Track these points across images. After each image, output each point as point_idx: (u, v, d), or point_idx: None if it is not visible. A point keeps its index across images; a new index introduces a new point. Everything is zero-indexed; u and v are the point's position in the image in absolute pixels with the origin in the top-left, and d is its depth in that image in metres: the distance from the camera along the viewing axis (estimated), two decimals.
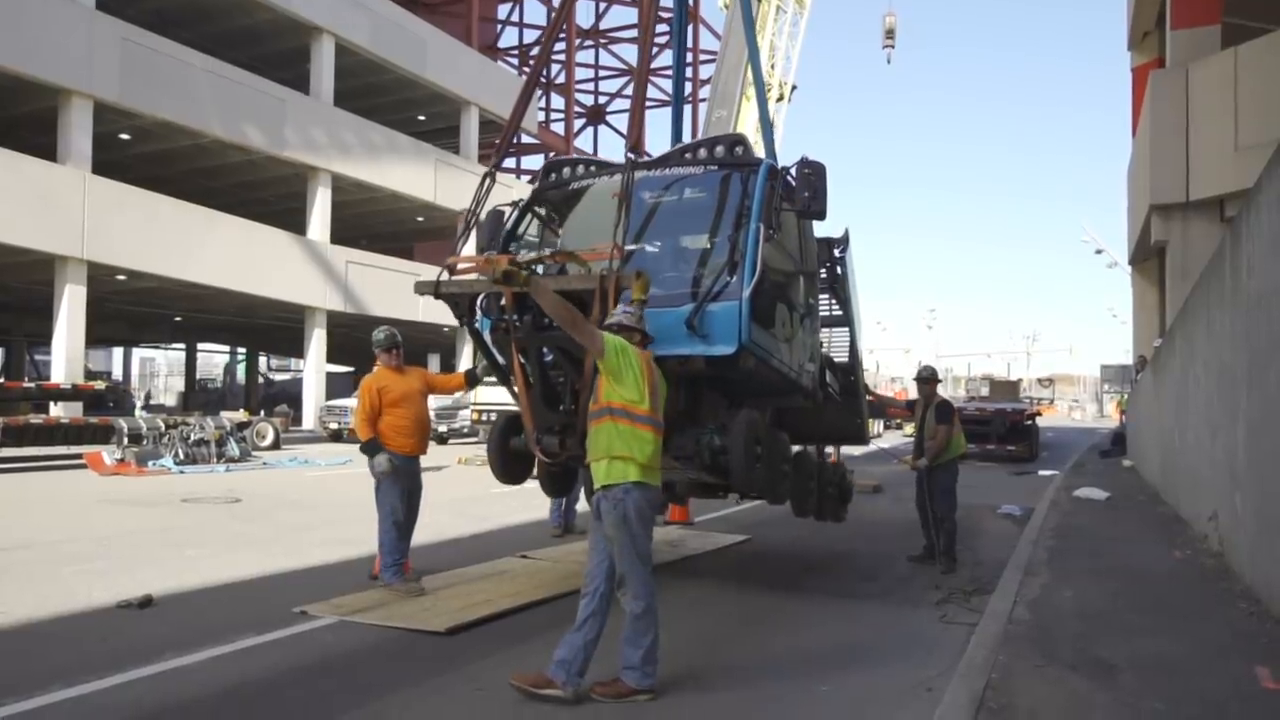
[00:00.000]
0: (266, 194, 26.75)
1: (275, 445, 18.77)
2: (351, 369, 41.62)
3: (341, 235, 26.05)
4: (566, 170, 6.05)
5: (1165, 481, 11.11)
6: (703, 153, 5.49)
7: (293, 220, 24.95)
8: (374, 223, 30.26)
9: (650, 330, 4.23)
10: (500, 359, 5.43)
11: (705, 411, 5.30)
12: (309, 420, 24.89)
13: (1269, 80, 11.03)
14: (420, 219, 29.92)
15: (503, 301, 4.77)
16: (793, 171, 5.31)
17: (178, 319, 30.24)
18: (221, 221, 21.86)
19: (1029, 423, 21.30)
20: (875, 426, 31.89)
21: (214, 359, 52.72)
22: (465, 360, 28.32)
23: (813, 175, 5.15)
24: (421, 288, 5.11)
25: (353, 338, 29.78)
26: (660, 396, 4.08)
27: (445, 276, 5.25)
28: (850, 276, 7.51)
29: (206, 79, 20.95)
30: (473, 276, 5.11)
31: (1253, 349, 5.40)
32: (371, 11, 25.92)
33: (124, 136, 21.18)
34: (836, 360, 7.40)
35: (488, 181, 5.57)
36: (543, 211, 6.04)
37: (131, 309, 26.22)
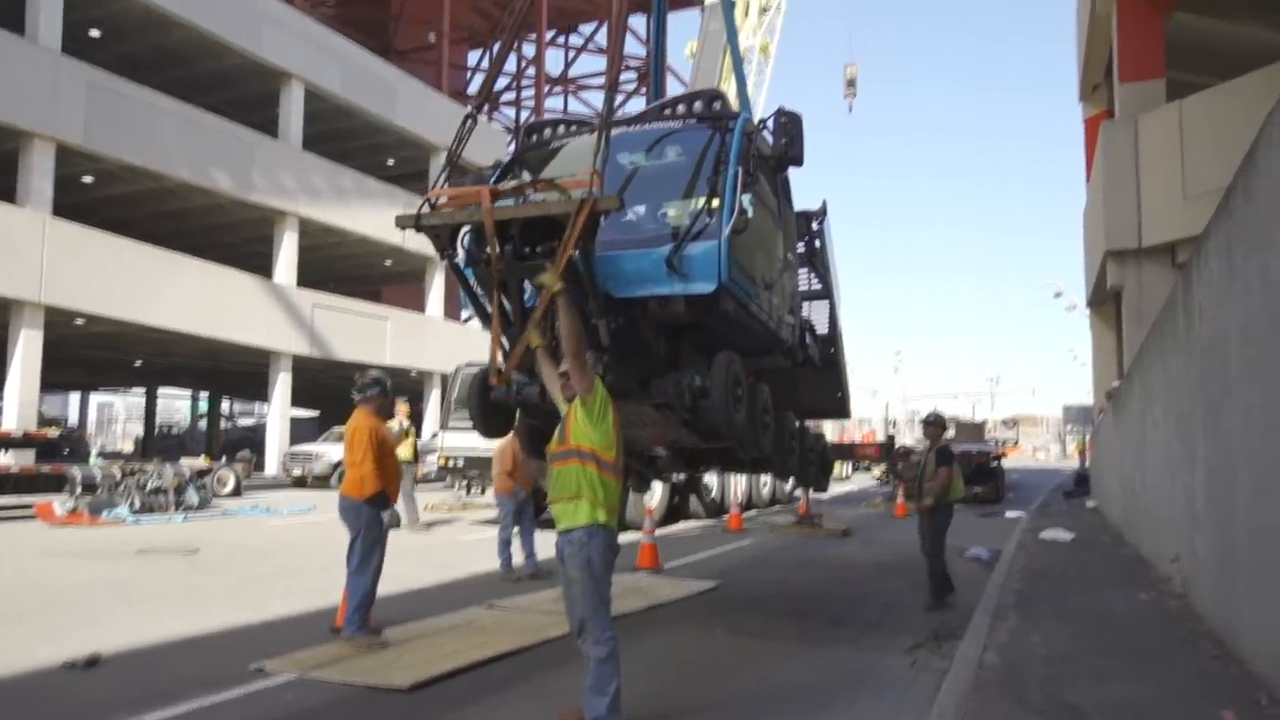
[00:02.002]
0: (233, 237, 26.55)
1: (236, 492, 18.37)
2: (317, 413, 41.06)
3: (309, 278, 25.87)
4: (547, 131, 6.04)
5: (1128, 522, 11.24)
6: (681, 108, 5.57)
7: (260, 263, 24.75)
8: (342, 266, 30.12)
9: (632, 272, 4.32)
10: (481, 294, 5.27)
11: (685, 363, 5.30)
12: (272, 466, 24.44)
13: (1212, 131, 11.44)
14: (389, 262, 29.83)
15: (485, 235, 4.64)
16: (770, 124, 5.43)
17: (138, 363, 29.68)
18: (186, 265, 21.63)
19: (994, 464, 21.54)
20: (844, 469, 32.07)
21: (175, 403, 51.75)
22: (433, 404, 28.07)
23: (789, 124, 5.28)
24: (402, 221, 4.95)
25: (319, 381, 29.46)
26: (620, 446, 4.09)
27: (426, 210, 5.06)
28: (829, 249, 7.65)
29: (174, 123, 20.88)
30: (453, 210, 4.94)
31: (1208, 393, 5.52)
32: (342, 57, 26.09)
33: (87, 179, 20.96)
34: (818, 333, 7.49)
35: (469, 123, 5.47)
36: (525, 174, 6.02)
37: (91, 353, 25.72)
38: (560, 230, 4.25)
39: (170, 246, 21.93)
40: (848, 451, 24.01)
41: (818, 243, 7.49)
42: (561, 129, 5.99)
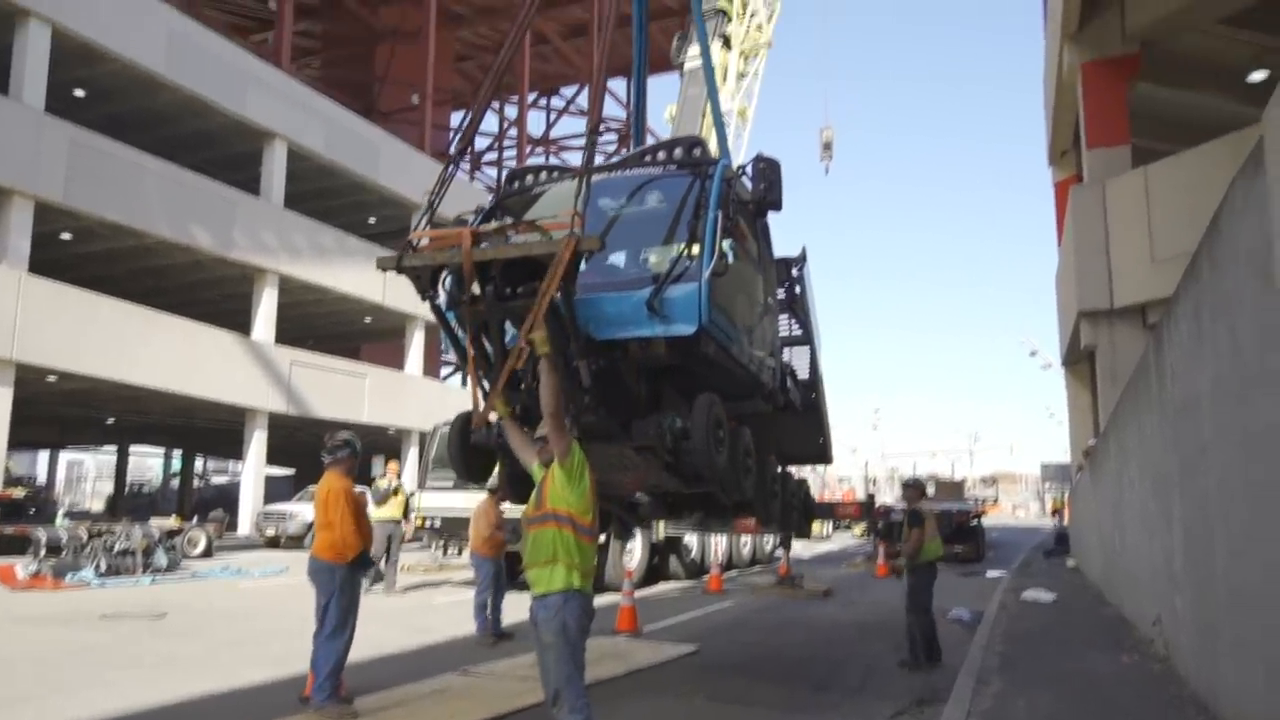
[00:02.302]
0: (212, 294, 26.45)
1: (207, 553, 17.96)
2: (292, 471, 40.47)
3: (288, 335, 25.76)
4: (529, 177, 6.08)
5: (1108, 581, 11.21)
6: (662, 154, 5.64)
7: (239, 320, 24.63)
8: (321, 323, 30.03)
9: (613, 314, 4.35)
10: (461, 336, 5.22)
11: (666, 406, 5.28)
12: (245, 526, 23.97)
13: (1177, 197, 11.77)
14: (368, 319, 29.78)
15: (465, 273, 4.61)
16: (749, 170, 5.51)
17: (110, 421, 29.25)
18: (162, 322, 21.48)
19: (975, 522, 21.51)
20: (825, 528, 31.86)
21: (147, 461, 50.87)
22: (411, 462, 27.77)
23: (768, 170, 5.36)
24: (384, 263, 4.93)
25: (295, 439, 29.10)
26: (595, 511, 4.05)
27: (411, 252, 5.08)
28: (809, 294, 7.68)
29: (155, 180, 20.94)
30: (433, 251, 4.92)
31: (1182, 453, 5.56)
32: (326, 118, 26.40)
33: (65, 236, 20.89)
34: (799, 378, 7.47)
35: (450, 169, 5.53)
36: (507, 219, 6.03)
37: (63, 410, 25.33)
38: (542, 272, 4.25)
39: (149, 302, 21.80)
40: (828, 510, 23.81)
41: (798, 289, 7.59)
42: (544, 175, 6.06)
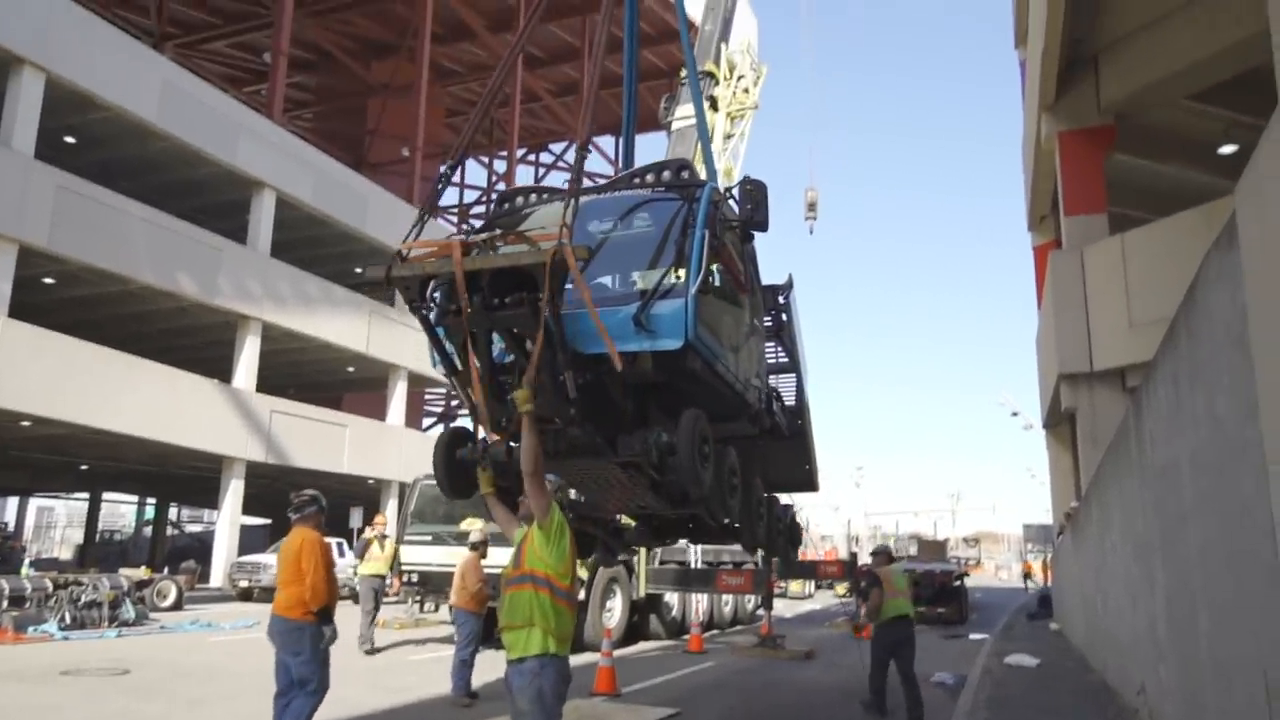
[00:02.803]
0: (195, 340, 26.31)
1: (177, 605, 17.53)
2: (268, 521, 39.78)
3: (270, 383, 25.57)
4: (520, 199, 6.12)
5: (1092, 646, 11.12)
6: (650, 177, 5.71)
7: (221, 366, 24.46)
8: (304, 372, 29.86)
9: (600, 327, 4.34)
10: (450, 348, 5.15)
11: (652, 424, 5.27)
12: (217, 577, 23.46)
13: (1153, 264, 12.00)
14: (351, 369, 29.66)
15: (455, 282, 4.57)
16: (735, 192, 5.59)
17: (84, 467, 28.77)
18: (143, 368, 21.28)
19: (958, 584, 21.38)
20: (807, 587, 31.57)
21: (120, 508, 49.90)
22: (390, 514, 27.37)
23: (754, 190, 5.45)
24: (373, 274, 4.91)
25: (273, 489, 28.68)
26: (576, 574, 4.01)
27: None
28: (795, 322, 7.76)
29: (142, 227, 20.94)
30: (423, 262, 4.84)
31: (1164, 519, 5.57)
32: (315, 168, 26.61)
33: (48, 280, 20.79)
34: (785, 404, 7.50)
35: (443, 179, 5.63)
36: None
37: (36, 456, 24.89)
38: (529, 283, 4.30)
39: (130, 348, 21.63)
40: (810, 569, 23.69)
41: (784, 316, 7.67)
42: (534, 197, 6.15)
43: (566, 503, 6.19)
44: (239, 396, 23.73)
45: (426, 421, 48.70)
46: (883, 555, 9.26)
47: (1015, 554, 78.94)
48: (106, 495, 39.23)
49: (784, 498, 8.02)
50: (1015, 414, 39.52)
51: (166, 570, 20.59)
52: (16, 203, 18.26)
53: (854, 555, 25.65)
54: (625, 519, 6.55)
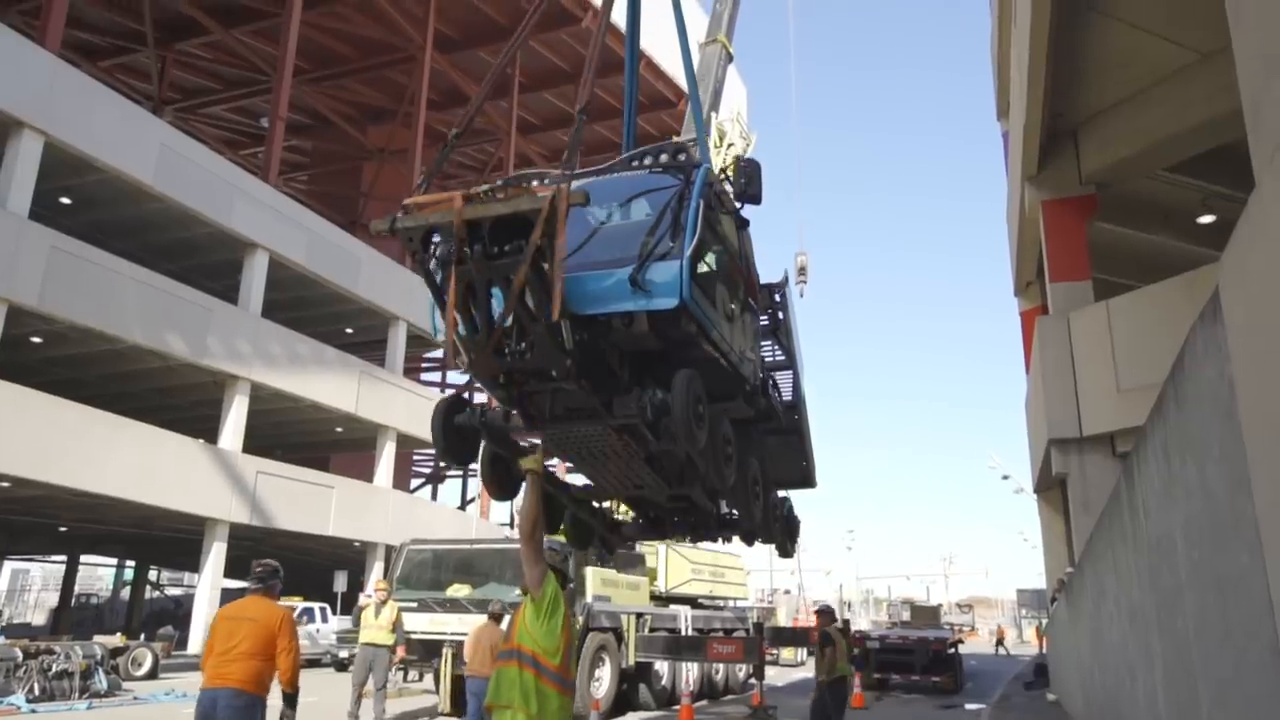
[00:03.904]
0: (182, 400, 26.14)
1: (153, 674, 17.05)
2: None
3: (256, 443, 25.33)
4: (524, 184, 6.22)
5: (1090, 719, 10.91)
6: (648, 159, 5.86)
7: (208, 426, 24.26)
8: (291, 432, 29.64)
9: (596, 290, 4.48)
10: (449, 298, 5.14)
11: (648, 384, 5.31)
12: (197, 643, 22.86)
13: (1139, 330, 12.14)
14: (339, 429, 29.45)
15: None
16: (729, 173, 5.80)
17: (63, 529, 28.25)
18: (128, 428, 21.07)
19: (952, 651, 21.01)
20: (798, 654, 30.98)
21: (97, 571, 48.86)
22: (376, 573, 26.91)
23: (748, 167, 5.65)
24: (379, 224, 4.96)
25: (257, 551, 28.19)
26: (571, 659, 3.91)
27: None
28: (792, 318, 7.82)
29: (133, 287, 20.97)
30: (426, 214, 4.91)
31: (1159, 590, 5.52)
32: (309, 230, 26.83)
33: (36, 340, 20.71)
34: (783, 399, 7.52)
35: (451, 142, 5.78)
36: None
37: (13, 517, 24.45)
38: (529, 231, 4.37)
39: (116, 407, 21.45)
40: (802, 637, 23.34)
41: (780, 314, 7.73)
42: (536, 183, 6.26)
43: (568, 501, 6.24)
44: (224, 457, 23.48)
45: (415, 482, 48.25)
46: (827, 615, 10.16)
47: (1009, 619, 77.92)
48: (85, 558, 38.45)
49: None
50: (1006, 477, 39.52)
51: (143, 636, 20.09)
52: (8, 262, 18.29)
53: (846, 622, 25.26)
54: (620, 513, 6.60)
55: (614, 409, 5.06)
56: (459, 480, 55.54)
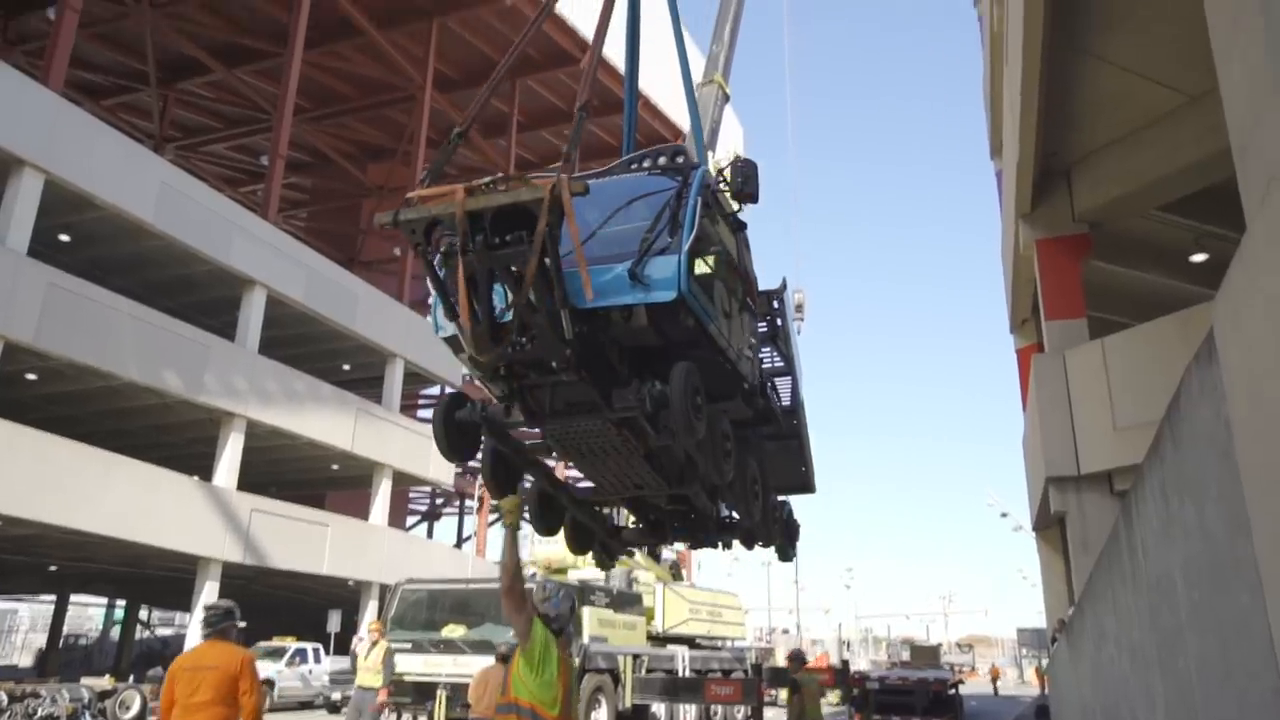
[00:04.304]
0: (178, 437, 26.03)
1: (141, 717, 16.77)
2: (242, 624, 38.51)
3: (251, 481, 25.18)
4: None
5: None
6: (647, 162, 6.00)
7: (202, 463, 24.12)
8: (287, 469, 29.48)
9: (596, 284, 4.46)
10: (451, 290, 5.17)
11: (647, 379, 5.35)
12: None
13: (1134, 368, 12.17)
14: (335, 467, 29.31)
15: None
16: (726, 173, 5.89)
17: (53, 568, 27.95)
18: (120, 465, 20.94)
19: (953, 692, 20.76)
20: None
21: (87, 611, 48.22)
22: (371, 613, 26.60)
23: (745, 167, 5.77)
24: (381, 219, 5.02)
25: (249, 590, 27.89)
26: (572, 702, 3.86)
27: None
28: (790, 324, 7.90)
29: (130, 324, 20.98)
30: (429, 206, 4.93)
31: (1160, 631, 5.48)
32: (307, 267, 26.92)
33: (30, 376, 20.67)
34: (781, 404, 7.55)
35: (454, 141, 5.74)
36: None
37: (3, 557, 24.20)
38: (530, 222, 4.42)
39: (111, 444, 21.34)
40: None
41: (779, 321, 7.79)
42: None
43: (568, 502, 6.24)
44: (219, 495, 23.31)
45: (411, 520, 47.94)
46: (798, 661, 10.13)
47: (1010, 659, 76.98)
48: (75, 597, 37.99)
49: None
50: (1004, 515, 39.36)
51: (132, 678, 19.79)
52: (5, 299, 18.31)
53: (845, 663, 24.98)
54: (622, 518, 6.60)
55: (613, 402, 5.13)
56: (455, 518, 55.25)
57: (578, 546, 6.88)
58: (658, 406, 5.08)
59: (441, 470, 31.56)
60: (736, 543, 7.38)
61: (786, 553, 7.80)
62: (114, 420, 24.18)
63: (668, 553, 22.47)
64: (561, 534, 6.52)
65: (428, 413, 44.52)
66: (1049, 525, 17.86)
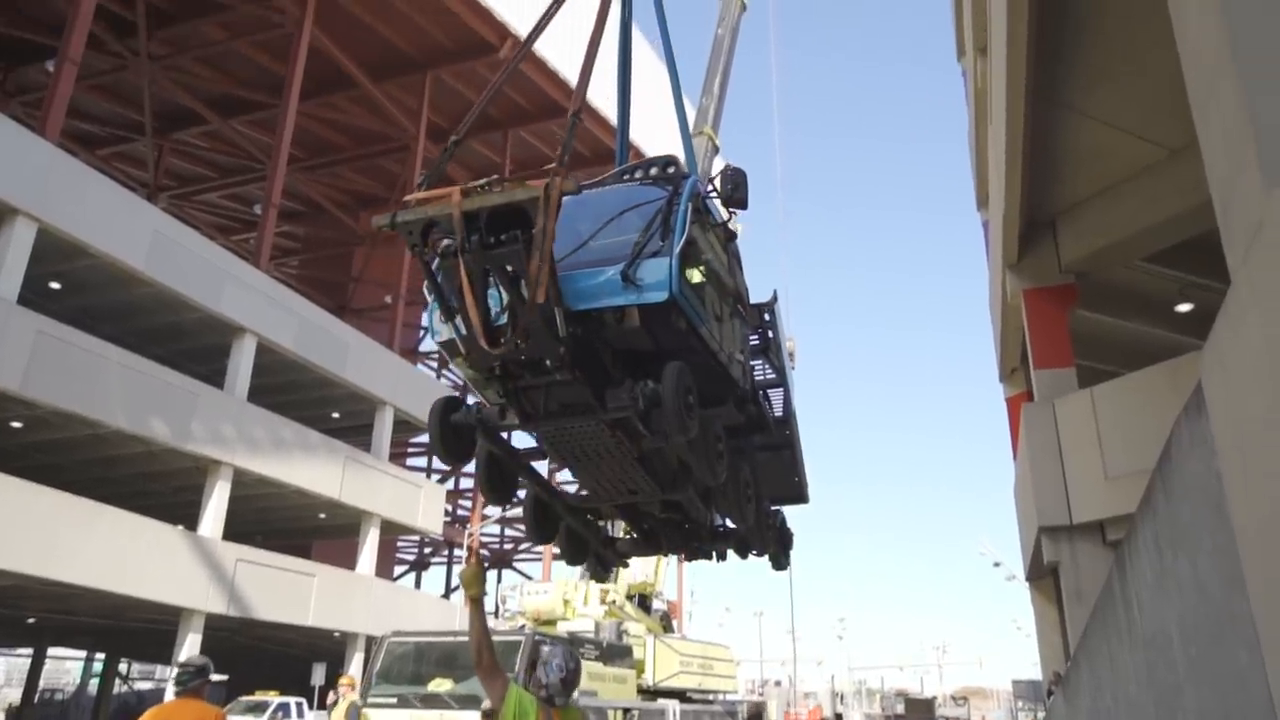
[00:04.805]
0: (164, 485, 25.74)
1: None
2: (224, 677, 37.70)
3: (237, 529, 24.84)
4: None
5: None
6: (639, 173, 6.09)
7: (188, 512, 23.82)
8: (274, 518, 29.12)
9: (589, 287, 4.56)
10: (448, 292, 5.19)
11: (640, 378, 5.39)
12: None
13: (1123, 418, 12.20)
14: (323, 516, 28.97)
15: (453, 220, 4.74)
16: (716, 182, 5.97)
17: (31, 620, 27.37)
18: (104, 515, 20.64)
19: None
20: None
21: (65, 664, 47.12)
22: (356, 665, 26.05)
23: (735, 175, 5.86)
24: (378, 221, 5.05)
25: (232, 642, 27.36)
26: None
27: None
28: (781, 336, 7.88)
29: (118, 372, 20.87)
30: (425, 207, 4.96)
31: (1157, 686, 5.40)
32: (298, 315, 26.92)
33: (15, 424, 20.47)
34: (774, 415, 7.51)
35: (451, 146, 5.79)
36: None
37: None
38: (524, 223, 4.50)
39: (96, 493, 21.06)
40: None
41: (770, 333, 7.85)
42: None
43: (563, 510, 6.21)
44: (204, 545, 22.97)
45: (399, 569, 47.28)
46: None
47: (1005, 711, 75.77)
48: (52, 650, 37.14)
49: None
50: (997, 564, 39.06)
51: None
52: None
53: (839, 716, 24.62)
54: (617, 530, 6.53)
55: (607, 402, 5.19)
56: (443, 567, 54.52)
57: (572, 557, 6.94)
58: (650, 405, 5.15)
59: (430, 519, 31.23)
60: (731, 552, 7.45)
61: (780, 561, 7.79)
62: (100, 468, 23.91)
63: (658, 603, 22.19)
64: (553, 562, 6.48)
65: (416, 461, 44.34)
66: (1042, 575, 17.72)
